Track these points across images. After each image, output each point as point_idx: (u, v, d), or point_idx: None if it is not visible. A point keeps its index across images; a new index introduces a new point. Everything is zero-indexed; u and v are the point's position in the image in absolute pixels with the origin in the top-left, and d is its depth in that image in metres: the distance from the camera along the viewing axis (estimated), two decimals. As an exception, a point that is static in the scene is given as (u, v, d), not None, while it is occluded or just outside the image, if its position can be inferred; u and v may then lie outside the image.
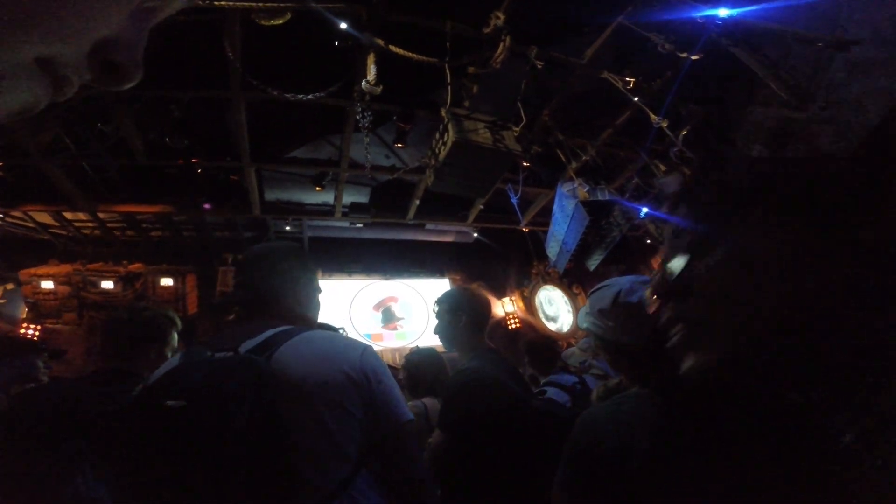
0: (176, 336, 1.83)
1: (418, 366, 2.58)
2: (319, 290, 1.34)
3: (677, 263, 0.72)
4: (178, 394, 0.84)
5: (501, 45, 2.79)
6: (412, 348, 5.98)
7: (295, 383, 0.94)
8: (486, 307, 1.92)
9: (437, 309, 1.92)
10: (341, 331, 1.39)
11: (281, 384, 0.92)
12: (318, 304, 1.32)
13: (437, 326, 1.91)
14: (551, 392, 2.51)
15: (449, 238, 7.02)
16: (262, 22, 2.60)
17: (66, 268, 5.41)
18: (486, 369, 1.67)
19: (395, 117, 3.83)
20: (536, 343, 3.18)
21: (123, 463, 0.93)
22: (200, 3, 2.26)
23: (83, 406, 1.46)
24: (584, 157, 4.27)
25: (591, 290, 1.27)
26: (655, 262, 6.82)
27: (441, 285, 7.27)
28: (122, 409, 1.01)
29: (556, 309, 7.47)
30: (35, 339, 5.03)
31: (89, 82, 0.46)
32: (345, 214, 5.56)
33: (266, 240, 5.96)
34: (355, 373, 1.01)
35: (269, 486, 0.84)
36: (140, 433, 0.88)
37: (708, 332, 0.69)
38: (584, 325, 1.28)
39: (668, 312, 0.76)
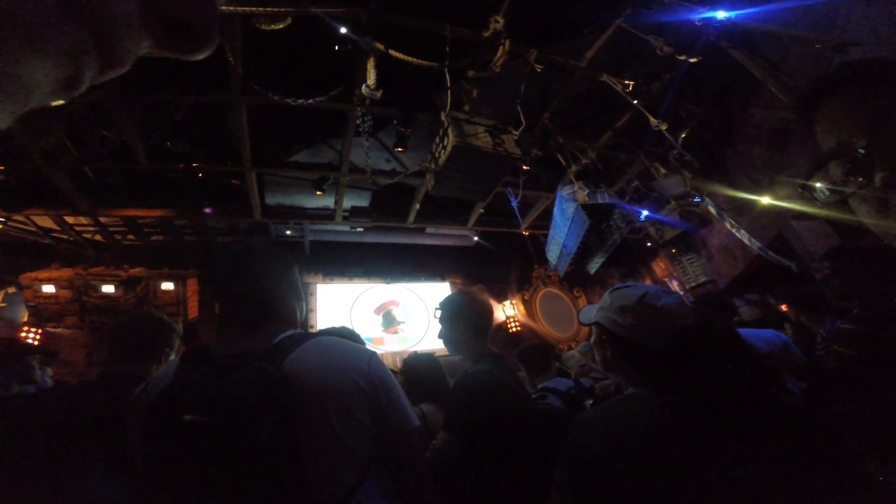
0: (178, 340, 1.85)
1: (416, 371, 2.55)
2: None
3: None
4: (196, 406, 0.83)
5: (501, 48, 2.80)
6: (411, 353, 5.96)
7: (307, 391, 0.94)
8: (487, 312, 1.90)
9: (438, 315, 1.92)
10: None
11: (294, 392, 0.92)
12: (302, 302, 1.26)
13: (441, 331, 1.91)
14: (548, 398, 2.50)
15: (449, 242, 7.01)
16: (263, 26, 2.62)
17: (67, 272, 5.41)
18: (492, 373, 1.68)
19: (395, 121, 3.84)
20: (528, 351, 3.15)
21: (143, 473, 0.93)
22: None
23: (91, 409, 1.46)
24: (584, 161, 4.27)
25: (613, 289, 1.26)
26: (656, 265, 6.80)
27: (442, 289, 7.26)
28: (135, 417, 0.98)
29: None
30: (35, 342, 5.03)
31: (152, 50, 0.36)
32: (345, 218, 5.57)
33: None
34: (364, 381, 1.02)
35: (283, 492, 0.85)
36: (159, 446, 0.87)
37: None
38: (593, 320, 1.26)
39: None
